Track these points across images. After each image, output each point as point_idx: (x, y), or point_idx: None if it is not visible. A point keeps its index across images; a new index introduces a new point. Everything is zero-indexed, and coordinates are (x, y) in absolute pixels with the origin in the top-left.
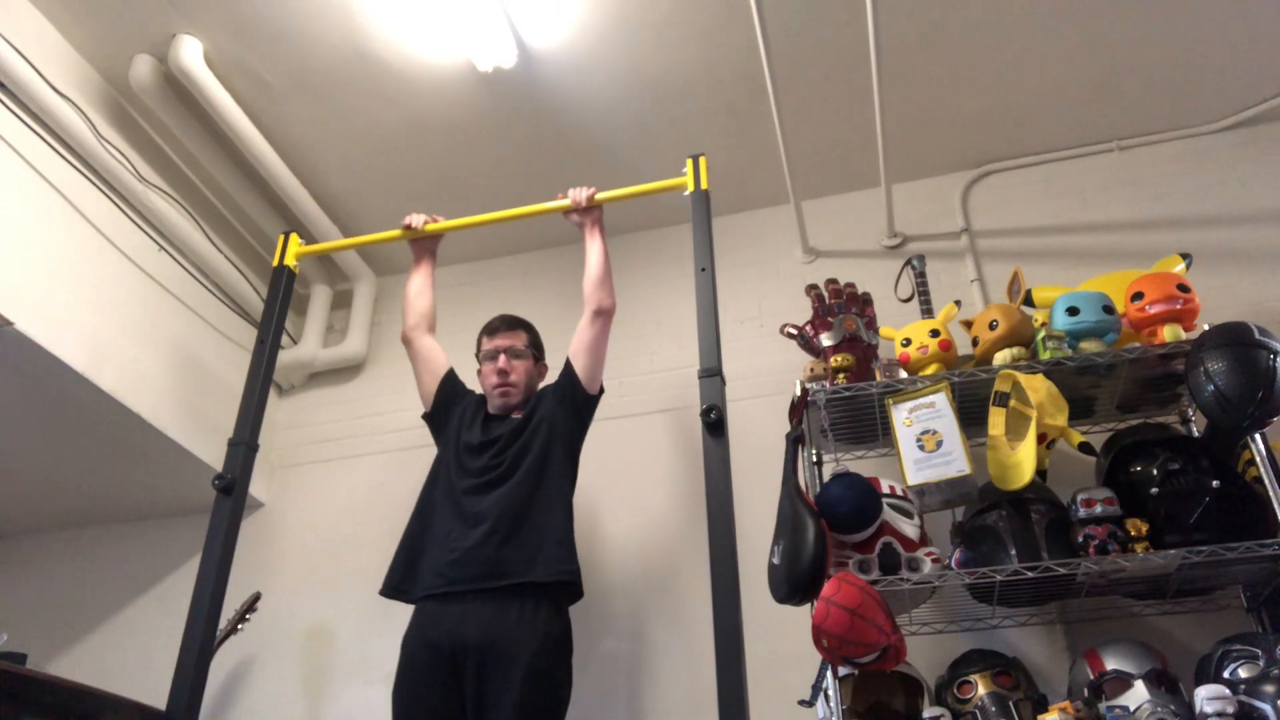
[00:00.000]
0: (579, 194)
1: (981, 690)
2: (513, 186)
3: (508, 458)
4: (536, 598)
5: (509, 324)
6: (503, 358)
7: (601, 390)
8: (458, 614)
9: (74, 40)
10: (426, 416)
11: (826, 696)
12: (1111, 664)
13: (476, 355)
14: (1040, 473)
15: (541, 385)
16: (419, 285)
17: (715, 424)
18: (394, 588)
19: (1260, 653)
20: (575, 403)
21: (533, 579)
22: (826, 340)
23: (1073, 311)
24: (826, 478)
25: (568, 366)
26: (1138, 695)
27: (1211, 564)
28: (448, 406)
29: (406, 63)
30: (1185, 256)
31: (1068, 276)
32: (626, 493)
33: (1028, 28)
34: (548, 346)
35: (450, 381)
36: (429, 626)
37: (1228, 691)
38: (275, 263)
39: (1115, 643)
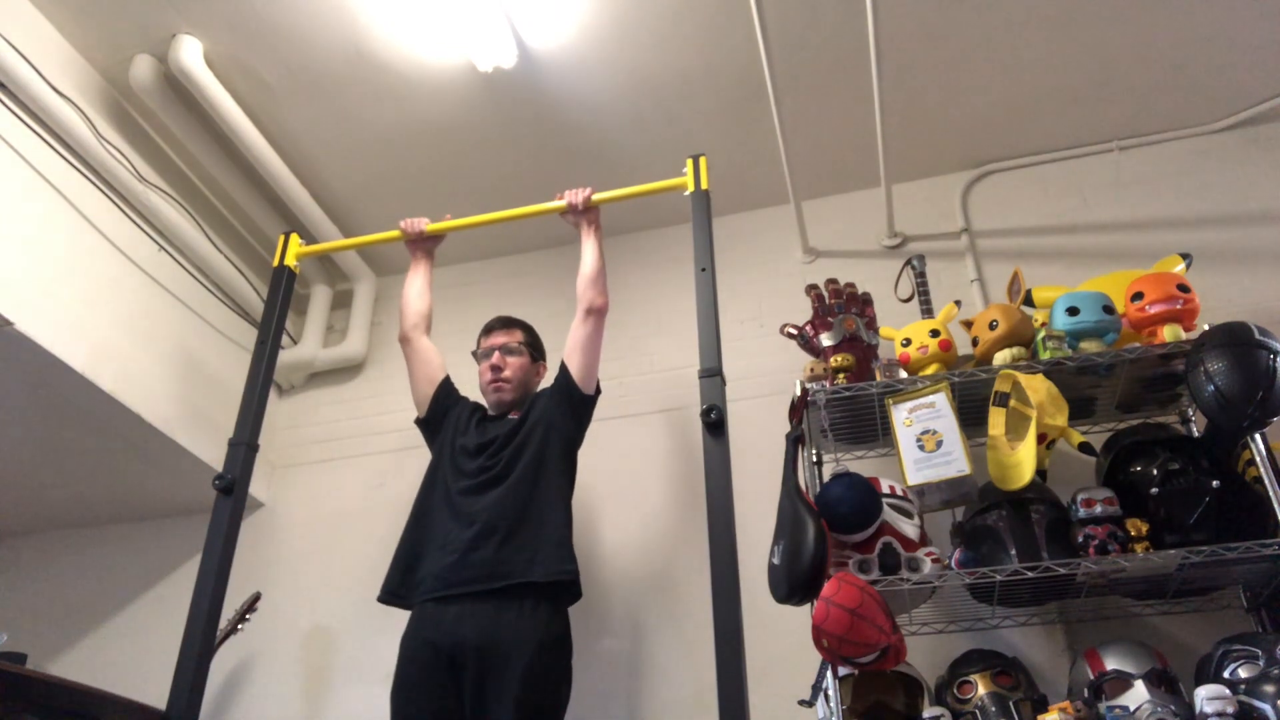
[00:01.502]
0: (576, 195)
1: (981, 690)
2: (512, 187)
3: (504, 457)
4: (535, 598)
5: (504, 323)
6: (496, 354)
7: (599, 391)
8: (456, 615)
9: (74, 40)
10: (420, 421)
11: (826, 696)
12: (1111, 664)
13: (474, 355)
14: (1040, 473)
15: (540, 388)
16: (418, 287)
17: (715, 424)
18: (391, 593)
19: (1260, 653)
20: (571, 403)
21: (532, 579)
22: (826, 340)
23: (1073, 311)
24: (826, 478)
25: (563, 368)
26: (1138, 695)
27: (1211, 564)
28: (443, 413)
29: (406, 63)
30: (1185, 256)
31: (1068, 276)
32: (626, 493)
33: (1028, 28)
34: (548, 346)
35: (446, 388)
36: (428, 627)
37: (1228, 691)
38: (275, 263)
39: (1115, 643)
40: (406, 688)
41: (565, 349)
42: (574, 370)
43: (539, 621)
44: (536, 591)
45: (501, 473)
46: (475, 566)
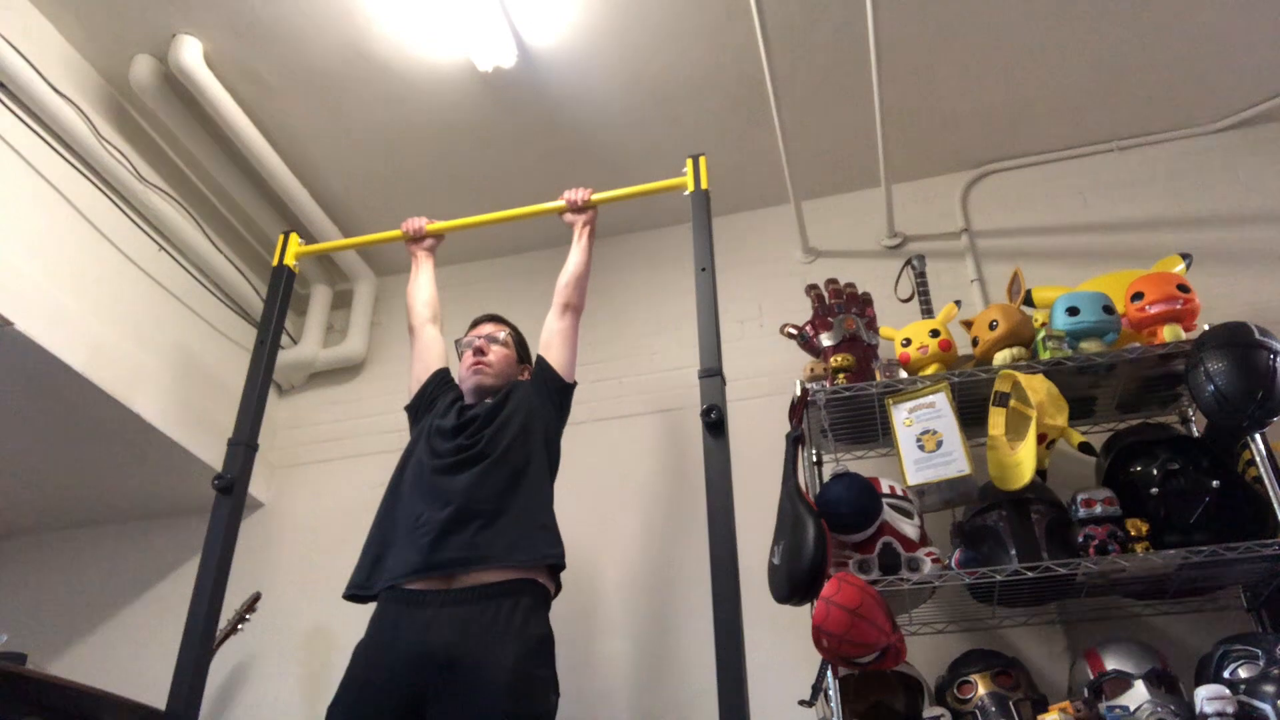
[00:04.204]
0: (576, 194)
1: (981, 690)
2: (512, 186)
3: (484, 437)
4: (515, 596)
5: (493, 318)
6: (481, 341)
7: (575, 382)
8: (423, 621)
9: (74, 40)
10: (408, 407)
11: (826, 696)
12: (1111, 664)
13: (457, 344)
14: (1040, 473)
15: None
16: (423, 280)
17: (715, 424)
18: (359, 586)
19: (1260, 653)
20: (550, 391)
21: (513, 565)
22: (826, 340)
23: (1073, 311)
24: (826, 478)
25: (540, 360)
26: (1138, 695)
27: (1211, 564)
28: (430, 402)
29: (406, 63)
30: (1185, 256)
31: (1068, 276)
32: (626, 493)
33: (1028, 28)
34: None
35: (439, 377)
36: (389, 637)
37: (1228, 691)
38: (275, 262)
39: (1115, 643)
40: (349, 707)
41: (541, 343)
42: (553, 360)
43: (516, 624)
44: (516, 589)
45: (481, 451)
46: (451, 549)
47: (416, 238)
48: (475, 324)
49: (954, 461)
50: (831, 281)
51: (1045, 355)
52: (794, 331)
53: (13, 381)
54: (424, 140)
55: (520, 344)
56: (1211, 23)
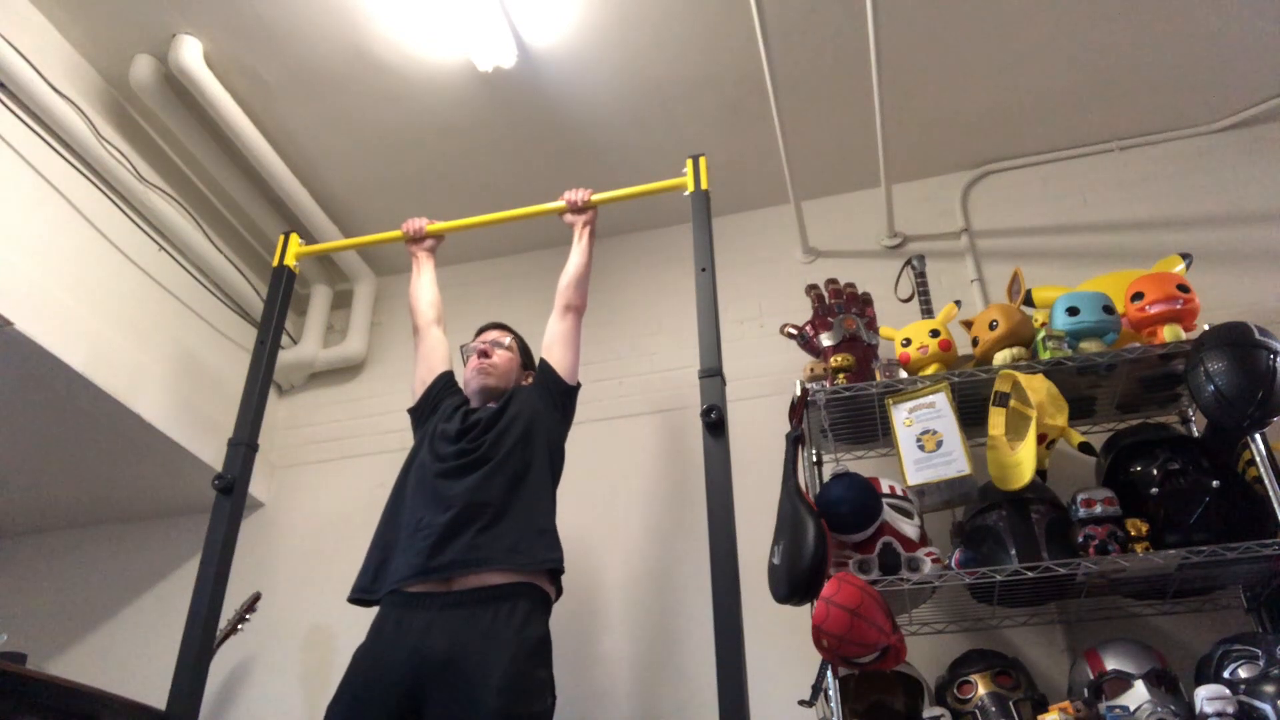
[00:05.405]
0: (576, 195)
1: (981, 690)
2: (513, 187)
3: (485, 441)
4: (514, 599)
5: (497, 325)
6: (484, 345)
7: (579, 384)
8: (423, 624)
9: (74, 40)
10: (411, 410)
11: (826, 696)
12: (1111, 664)
13: (462, 349)
14: (1040, 473)
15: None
16: (425, 281)
17: (715, 424)
18: (363, 590)
19: (1260, 653)
20: (554, 394)
21: (512, 569)
22: (826, 340)
23: (1073, 311)
24: (826, 478)
25: (543, 363)
26: (1138, 695)
27: (1211, 564)
28: (434, 405)
29: (406, 63)
30: (1185, 256)
31: (1068, 276)
32: (626, 493)
33: (1028, 28)
34: None
35: (443, 380)
36: (389, 639)
37: (1228, 691)
38: (275, 263)
39: (1115, 643)
40: (347, 707)
41: (544, 346)
42: (555, 363)
43: (514, 626)
44: (515, 592)
45: (483, 456)
46: (451, 553)
47: (417, 238)
48: (480, 331)
49: (954, 461)
50: (831, 281)
51: (1045, 355)
52: (794, 331)
53: (13, 381)
54: (424, 140)
55: (524, 351)
56: (1211, 23)
